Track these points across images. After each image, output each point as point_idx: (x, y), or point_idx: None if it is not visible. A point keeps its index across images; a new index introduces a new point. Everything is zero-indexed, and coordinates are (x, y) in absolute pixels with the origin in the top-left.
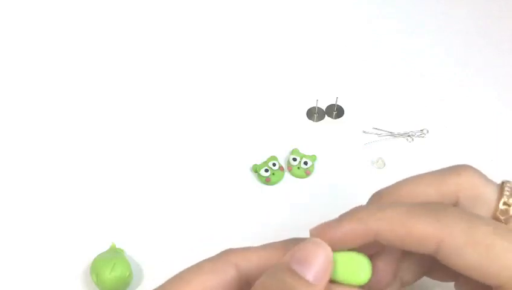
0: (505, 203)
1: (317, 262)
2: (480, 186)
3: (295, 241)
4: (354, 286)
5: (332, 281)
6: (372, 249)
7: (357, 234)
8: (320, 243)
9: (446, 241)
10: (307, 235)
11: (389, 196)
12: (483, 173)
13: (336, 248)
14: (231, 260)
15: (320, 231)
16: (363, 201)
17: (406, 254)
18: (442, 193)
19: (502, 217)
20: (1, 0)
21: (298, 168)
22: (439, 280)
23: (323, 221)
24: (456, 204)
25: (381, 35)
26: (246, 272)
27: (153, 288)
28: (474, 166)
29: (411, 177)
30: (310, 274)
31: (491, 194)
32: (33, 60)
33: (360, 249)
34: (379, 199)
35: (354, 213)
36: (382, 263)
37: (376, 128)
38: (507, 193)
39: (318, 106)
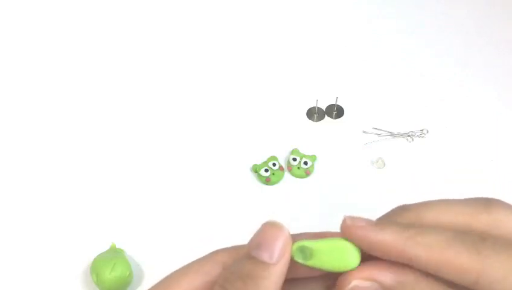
0: None
1: (272, 242)
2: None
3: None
4: (344, 272)
5: (321, 270)
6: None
7: (392, 250)
8: (273, 223)
9: (486, 273)
10: None
11: (416, 216)
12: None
13: (363, 248)
14: (218, 259)
15: (358, 226)
16: (363, 201)
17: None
18: (471, 228)
19: None
20: (1, 0)
21: (298, 168)
22: None
23: (326, 222)
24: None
25: (381, 35)
26: None
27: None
28: (475, 166)
29: (439, 201)
30: (266, 255)
31: None
32: (33, 60)
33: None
34: (404, 216)
35: (397, 226)
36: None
37: (376, 128)
38: None
39: (318, 106)
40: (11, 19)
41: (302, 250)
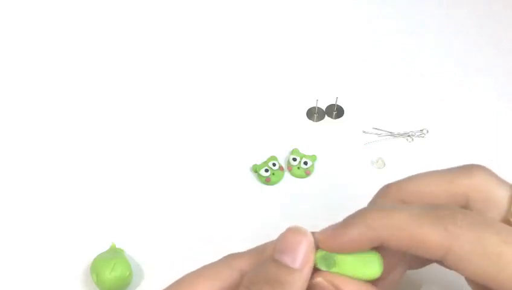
0: None
1: (297, 248)
2: (491, 188)
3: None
4: (365, 281)
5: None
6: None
7: (363, 240)
8: (299, 229)
9: (453, 250)
10: None
11: (397, 191)
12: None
13: (343, 251)
14: (234, 265)
15: (326, 236)
16: (363, 201)
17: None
18: (451, 193)
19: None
20: (1, 0)
21: (298, 168)
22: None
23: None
24: (466, 205)
25: (381, 35)
26: None
27: None
28: None
29: (421, 174)
30: (292, 260)
31: (503, 196)
32: (33, 60)
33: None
34: (386, 193)
35: (360, 217)
36: (388, 254)
37: (376, 128)
38: None
39: (318, 106)
40: (11, 19)
41: (326, 258)
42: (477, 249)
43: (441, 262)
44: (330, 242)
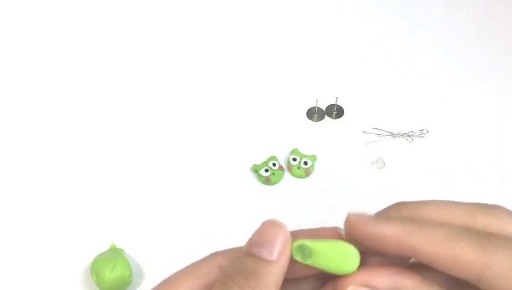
0: None
1: (274, 240)
2: (510, 228)
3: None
4: (341, 275)
5: (320, 270)
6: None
7: (396, 243)
8: (275, 222)
9: (491, 269)
10: None
11: (412, 211)
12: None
13: (365, 244)
14: (216, 262)
15: (362, 222)
16: (363, 201)
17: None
18: (474, 228)
19: None
20: (1, 0)
21: (298, 168)
22: None
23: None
24: None
25: (381, 36)
26: None
27: None
28: (475, 166)
29: (438, 201)
30: (268, 253)
31: None
32: (33, 61)
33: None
34: (402, 210)
35: (398, 220)
36: (381, 276)
37: (376, 128)
38: None
39: (318, 106)
40: (11, 19)
41: (302, 249)
42: None
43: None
44: (361, 228)
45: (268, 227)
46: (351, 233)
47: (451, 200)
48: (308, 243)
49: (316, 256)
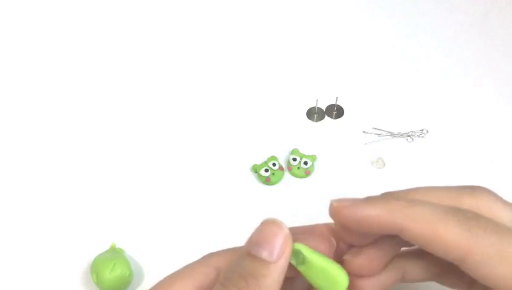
0: None
1: (273, 240)
2: (496, 210)
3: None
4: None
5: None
6: (368, 239)
7: (381, 222)
8: (274, 221)
9: (475, 253)
10: None
11: (401, 197)
12: (500, 195)
13: (353, 228)
14: (211, 263)
15: (343, 206)
16: None
17: (418, 253)
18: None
19: None
20: (1, 0)
21: (298, 168)
22: (448, 287)
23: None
24: None
25: (381, 36)
26: None
27: None
28: (475, 166)
29: (424, 187)
30: (267, 253)
31: (507, 218)
32: (33, 61)
33: (359, 238)
34: (389, 196)
35: (383, 200)
36: (375, 253)
37: (376, 128)
38: None
39: (318, 106)
40: (11, 19)
41: (297, 254)
42: (499, 254)
43: (440, 279)
44: (344, 212)
45: (268, 227)
46: (336, 219)
47: (436, 185)
48: (304, 250)
49: (308, 265)
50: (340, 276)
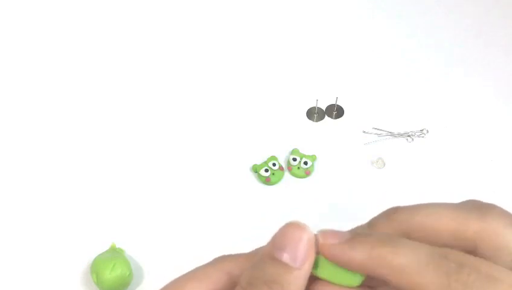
0: None
1: (297, 245)
2: (505, 235)
3: None
4: (346, 287)
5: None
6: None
7: (366, 269)
8: (299, 224)
9: None
10: None
11: (405, 219)
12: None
13: (341, 264)
14: (224, 267)
15: (330, 245)
16: (363, 201)
17: None
18: (461, 236)
19: None
20: (1, 0)
21: (298, 168)
22: None
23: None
24: (474, 249)
25: (381, 35)
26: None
27: None
28: (475, 166)
29: (431, 205)
30: (292, 258)
31: None
32: (33, 61)
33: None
34: (393, 218)
35: (365, 244)
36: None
37: (376, 128)
38: None
39: (318, 106)
40: (11, 19)
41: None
42: None
43: None
44: (330, 251)
45: (291, 229)
46: (323, 255)
47: (445, 203)
48: (316, 255)
49: (322, 267)
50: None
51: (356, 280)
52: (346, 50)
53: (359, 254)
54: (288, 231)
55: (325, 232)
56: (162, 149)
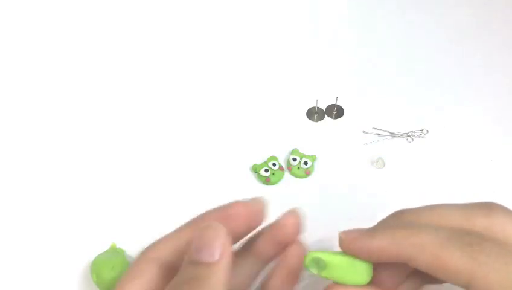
0: None
1: (213, 243)
2: (509, 231)
3: (201, 217)
4: (355, 286)
5: (335, 283)
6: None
7: (388, 254)
8: (211, 225)
9: (479, 278)
10: (307, 235)
11: (411, 217)
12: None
13: (364, 258)
14: (151, 256)
15: (351, 238)
16: (363, 201)
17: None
18: (468, 232)
19: None
20: (1, 0)
21: (298, 168)
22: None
23: (326, 221)
24: None
25: (381, 35)
26: (168, 260)
27: None
28: (475, 166)
29: (437, 205)
30: (209, 256)
31: None
32: (33, 60)
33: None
34: (400, 217)
35: (389, 230)
36: (388, 275)
37: (376, 128)
38: None
39: (318, 106)
40: (11, 19)
41: (317, 261)
42: (502, 279)
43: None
44: (352, 245)
45: (205, 231)
46: (346, 251)
47: (449, 203)
48: (322, 256)
49: (330, 268)
50: (363, 266)
51: (364, 278)
52: (346, 50)
53: (381, 241)
54: (203, 233)
55: (345, 231)
56: (162, 149)
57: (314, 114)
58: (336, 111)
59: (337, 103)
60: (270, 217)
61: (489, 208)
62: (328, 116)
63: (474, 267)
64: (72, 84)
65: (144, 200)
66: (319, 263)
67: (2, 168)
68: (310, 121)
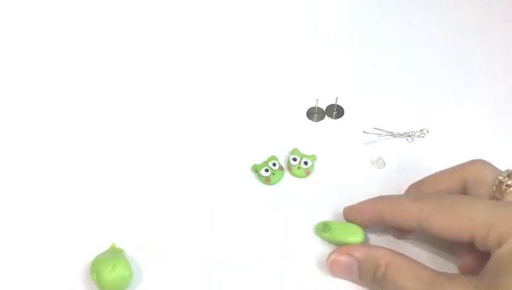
0: (499, 182)
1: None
2: (485, 172)
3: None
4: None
5: (336, 241)
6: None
7: (369, 213)
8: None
9: (421, 215)
10: (306, 235)
11: (419, 184)
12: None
13: (355, 220)
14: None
15: (347, 209)
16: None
17: None
18: (454, 178)
19: (497, 195)
20: (1, 0)
21: (298, 168)
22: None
23: (323, 221)
24: (464, 185)
25: (381, 35)
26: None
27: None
28: None
29: (431, 175)
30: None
31: (493, 178)
32: (33, 60)
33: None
34: (412, 187)
35: (373, 199)
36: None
37: (376, 128)
38: (503, 174)
39: (318, 106)
40: (11, 19)
41: (323, 226)
42: (439, 211)
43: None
44: (347, 213)
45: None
46: (345, 218)
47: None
48: (328, 222)
49: (332, 231)
50: (357, 228)
51: (358, 238)
52: (346, 50)
53: (368, 206)
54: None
55: (347, 206)
56: (162, 149)
57: (314, 114)
58: (336, 111)
59: (337, 103)
60: (270, 217)
61: (474, 160)
62: (328, 116)
63: (419, 209)
64: (72, 85)
65: (143, 200)
66: (325, 228)
67: (2, 169)
68: (310, 121)
